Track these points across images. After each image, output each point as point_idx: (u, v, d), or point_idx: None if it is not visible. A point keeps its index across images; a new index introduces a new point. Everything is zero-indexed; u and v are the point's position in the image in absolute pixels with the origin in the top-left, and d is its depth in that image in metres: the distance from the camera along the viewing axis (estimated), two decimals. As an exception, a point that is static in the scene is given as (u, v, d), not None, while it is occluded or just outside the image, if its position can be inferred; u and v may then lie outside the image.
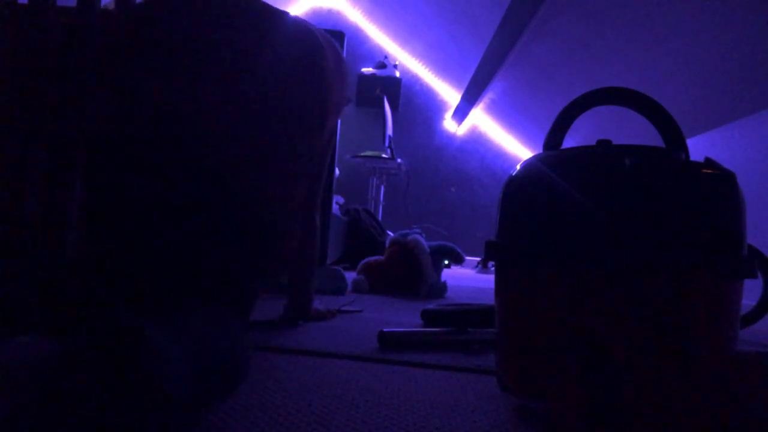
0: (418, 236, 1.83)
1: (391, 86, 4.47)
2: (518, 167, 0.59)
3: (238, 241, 0.66)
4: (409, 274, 1.77)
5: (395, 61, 4.67)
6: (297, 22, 0.79)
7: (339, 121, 1.03)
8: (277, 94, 0.71)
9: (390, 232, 2.93)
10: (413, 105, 4.68)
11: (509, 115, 4.44)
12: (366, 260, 1.88)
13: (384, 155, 3.52)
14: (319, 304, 1.13)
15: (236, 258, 0.66)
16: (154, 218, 0.63)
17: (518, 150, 4.60)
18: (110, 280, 0.61)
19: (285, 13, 0.78)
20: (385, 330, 0.86)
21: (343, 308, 1.24)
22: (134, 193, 0.63)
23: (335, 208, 2.71)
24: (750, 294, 0.78)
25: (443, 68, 4.64)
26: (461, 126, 4.62)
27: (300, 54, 0.76)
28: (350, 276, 1.79)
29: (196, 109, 0.66)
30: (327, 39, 0.84)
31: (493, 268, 0.69)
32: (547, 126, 0.61)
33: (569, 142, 0.58)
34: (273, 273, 0.74)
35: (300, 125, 0.74)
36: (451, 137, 4.68)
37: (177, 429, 0.39)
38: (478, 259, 3.70)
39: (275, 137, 0.70)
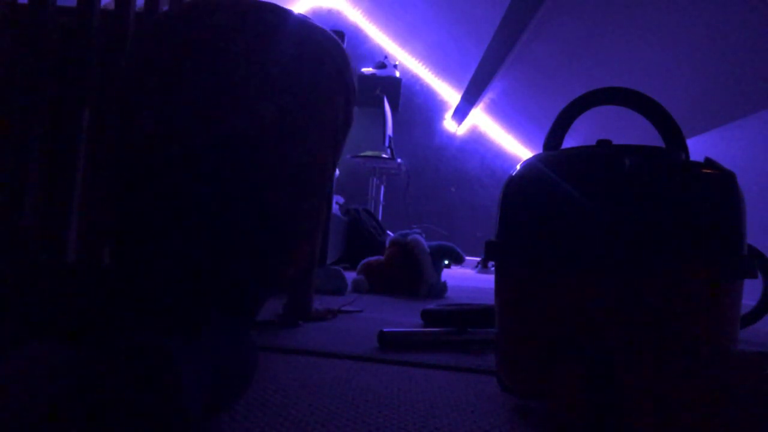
0: (418, 236, 1.83)
1: (391, 86, 4.46)
2: (518, 167, 0.59)
3: (260, 254, 0.66)
4: (409, 274, 1.77)
5: (395, 61, 4.67)
6: (327, 36, 0.77)
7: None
8: (311, 109, 0.70)
9: (390, 232, 2.93)
10: (413, 105, 4.68)
11: (509, 115, 4.44)
12: (366, 260, 1.88)
13: (384, 155, 3.52)
14: (319, 304, 1.13)
15: (254, 270, 0.66)
16: (174, 229, 0.63)
17: (518, 150, 4.60)
18: (126, 290, 0.61)
19: (318, 28, 0.77)
20: (385, 330, 0.86)
21: (343, 308, 1.24)
22: (156, 204, 0.63)
23: (335, 208, 2.71)
24: (750, 294, 0.78)
25: (443, 68, 4.64)
26: (461, 126, 4.62)
27: (331, 69, 0.74)
28: (350, 276, 1.79)
29: (246, 122, 0.64)
30: (345, 50, 0.83)
31: (493, 268, 0.69)
32: (547, 126, 0.61)
33: (569, 142, 0.58)
34: (286, 280, 0.74)
35: (327, 139, 0.73)
36: (451, 137, 4.68)
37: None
38: (478, 259, 3.70)
39: (307, 152, 0.69)
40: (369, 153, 3.61)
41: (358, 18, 4.76)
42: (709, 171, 0.49)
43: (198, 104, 0.64)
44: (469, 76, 3.75)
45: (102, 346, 0.38)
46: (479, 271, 3.61)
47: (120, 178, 0.66)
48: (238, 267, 0.64)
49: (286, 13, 0.73)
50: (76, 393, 0.35)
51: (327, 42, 0.76)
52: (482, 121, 4.63)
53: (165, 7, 1.20)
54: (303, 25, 0.74)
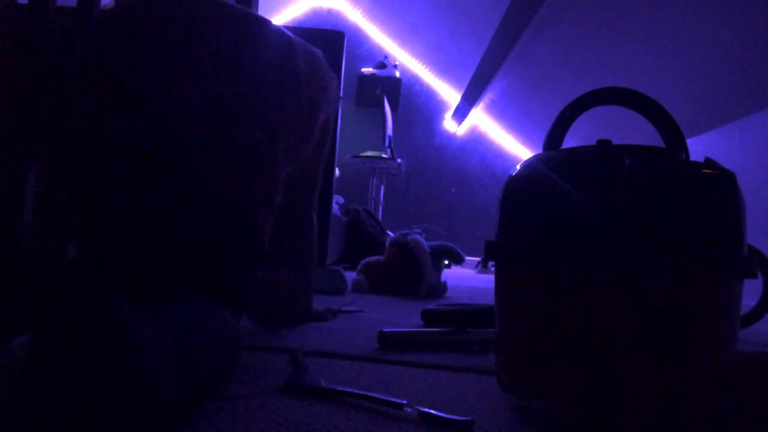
0: (418, 236, 1.83)
1: (391, 86, 4.46)
2: (518, 167, 0.59)
3: (217, 236, 0.67)
4: (409, 274, 1.77)
5: (395, 61, 4.67)
6: (274, 29, 0.81)
7: (331, 125, 1.04)
8: (254, 96, 0.72)
9: (390, 232, 2.93)
10: (413, 105, 4.68)
11: (509, 115, 4.44)
12: (366, 260, 1.88)
13: (384, 155, 3.52)
14: (319, 304, 1.13)
15: (214, 253, 0.67)
16: (132, 215, 0.64)
17: (518, 150, 4.60)
18: (93, 278, 0.62)
19: (265, 21, 0.81)
20: (385, 330, 0.86)
21: (343, 308, 1.24)
22: (114, 190, 0.64)
23: (335, 208, 2.71)
24: (750, 294, 0.78)
25: (443, 68, 4.64)
26: (461, 126, 4.62)
27: (275, 59, 0.77)
28: (350, 276, 1.79)
29: (179, 110, 0.66)
30: (304, 46, 0.87)
31: (493, 268, 0.69)
32: (547, 126, 0.61)
33: (569, 142, 0.58)
34: (251, 268, 0.75)
35: (275, 126, 0.75)
36: (451, 137, 4.68)
37: (160, 423, 0.38)
38: (478, 259, 3.70)
39: (253, 137, 0.71)
40: (369, 153, 3.61)
41: (358, 18, 4.75)
42: (709, 171, 0.49)
43: (133, 92, 0.66)
44: (469, 76, 3.75)
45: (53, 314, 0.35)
46: (479, 271, 3.61)
47: (74, 164, 0.68)
48: (194, 249, 0.65)
49: (225, 6, 0.75)
50: (22, 375, 0.33)
51: (267, 30, 0.78)
52: (482, 121, 4.63)
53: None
54: (244, 16, 0.76)
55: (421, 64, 4.73)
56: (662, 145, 0.55)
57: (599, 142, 0.55)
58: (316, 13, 4.74)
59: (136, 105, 0.66)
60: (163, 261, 0.63)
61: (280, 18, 4.62)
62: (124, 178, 0.64)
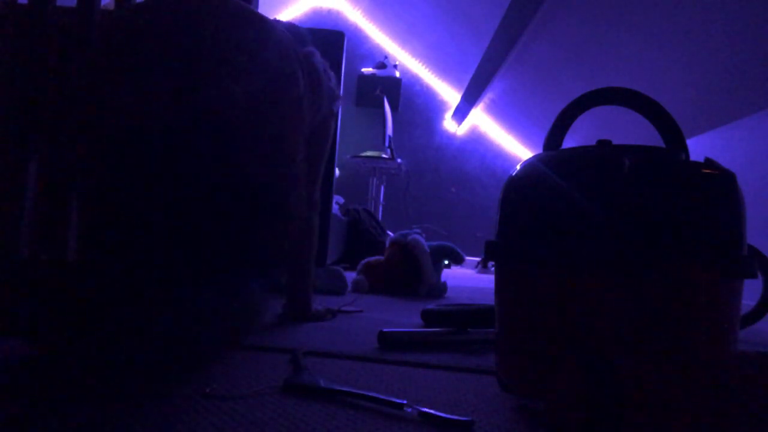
0: (418, 236, 1.83)
1: (391, 86, 4.47)
2: (518, 167, 0.59)
3: (255, 217, 0.71)
4: (409, 274, 1.77)
5: (395, 61, 4.67)
6: (280, 27, 0.85)
7: (332, 124, 1.06)
8: (272, 87, 0.77)
9: (390, 232, 2.93)
10: (413, 105, 4.68)
11: (509, 115, 4.44)
12: (366, 260, 1.88)
13: (384, 155, 3.52)
14: (319, 304, 1.13)
15: (254, 232, 0.72)
16: (172, 203, 0.66)
17: (518, 150, 4.60)
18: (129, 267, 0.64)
19: (274, 20, 0.87)
20: (385, 330, 0.86)
21: (343, 308, 1.24)
22: (135, 181, 0.66)
23: (335, 208, 2.71)
24: (750, 294, 0.78)
25: (443, 68, 4.65)
26: (461, 126, 4.62)
27: (286, 56, 0.82)
28: (350, 276, 1.79)
29: (212, 103, 0.69)
30: (297, 36, 0.91)
31: (493, 268, 0.69)
32: (547, 126, 0.61)
33: (569, 142, 0.58)
34: (282, 247, 0.80)
35: (292, 115, 0.80)
36: (451, 137, 4.68)
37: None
38: (478, 259, 3.70)
39: (274, 126, 0.76)
40: (369, 153, 3.61)
41: (358, 18, 4.76)
42: (709, 171, 0.49)
43: (171, 86, 0.68)
44: (469, 76, 3.75)
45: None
46: (479, 271, 3.61)
47: (98, 162, 0.70)
48: (228, 230, 0.69)
49: (246, 6, 0.80)
50: None
51: (277, 29, 0.83)
52: (482, 121, 4.63)
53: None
54: (262, 17, 0.82)
55: (421, 64, 4.73)
56: (662, 145, 0.55)
57: (599, 142, 0.55)
58: (316, 13, 4.74)
59: (171, 96, 0.67)
60: (210, 241, 0.67)
61: (280, 18, 4.62)
62: (153, 164, 0.66)
